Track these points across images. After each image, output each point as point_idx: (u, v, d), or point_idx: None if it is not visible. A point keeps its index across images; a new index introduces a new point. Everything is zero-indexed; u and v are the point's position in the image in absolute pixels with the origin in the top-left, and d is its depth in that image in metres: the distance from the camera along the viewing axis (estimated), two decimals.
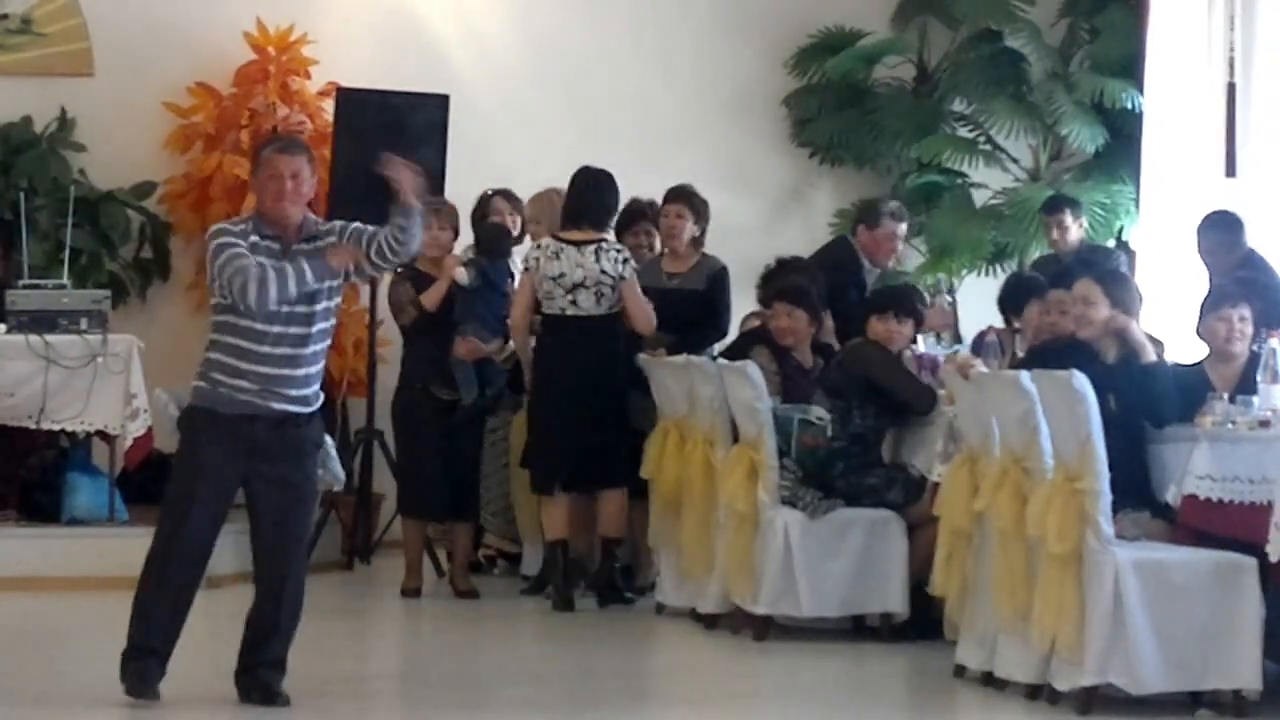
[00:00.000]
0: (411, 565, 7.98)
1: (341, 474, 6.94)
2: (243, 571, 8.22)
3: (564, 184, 8.86)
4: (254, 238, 5.62)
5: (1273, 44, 8.58)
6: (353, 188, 8.80)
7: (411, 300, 7.87)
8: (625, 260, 7.66)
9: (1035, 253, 9.36)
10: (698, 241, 8.01)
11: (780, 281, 7.70)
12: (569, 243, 7.67)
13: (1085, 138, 9.35)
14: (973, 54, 9.70)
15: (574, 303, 7.63)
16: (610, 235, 7.80)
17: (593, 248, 7.64)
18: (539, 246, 7.81)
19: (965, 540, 6.18)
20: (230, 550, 8.24)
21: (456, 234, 8.10)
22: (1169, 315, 8.10)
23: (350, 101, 8.96)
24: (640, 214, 8.28)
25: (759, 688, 6.34)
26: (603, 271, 7.60)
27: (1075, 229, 8.42)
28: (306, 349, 5.57)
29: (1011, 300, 7.52)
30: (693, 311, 7.85)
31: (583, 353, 7.55)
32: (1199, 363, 6.34)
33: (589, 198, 7.74)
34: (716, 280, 7.92)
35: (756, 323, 8.11)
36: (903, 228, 8.40)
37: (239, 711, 5.64)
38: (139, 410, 8.04)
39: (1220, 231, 7.68)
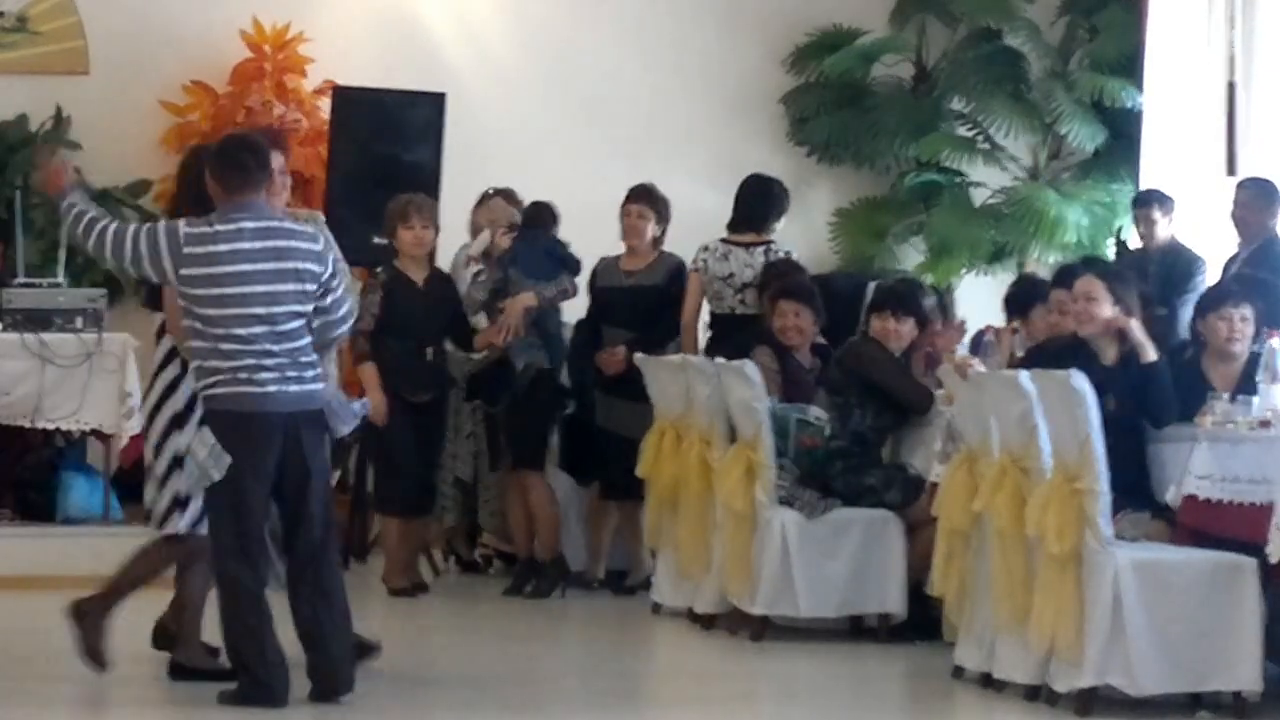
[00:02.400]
0: (393, 561, 7.94)
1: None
2: None
3: (556, 183, 8.89)
4: None
5: (1272, 42, 8.57)
6: (349, 186, 8.80)
7: (374, 314, 7.77)
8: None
9: (1034, 253, 9.34)
10: (658, 241, 8.04)
11: (785, 280, 7.69)
12: (737, 244, 7.89)
13: (1084, 137, 9.33)
14: (971, 52, 9.69)
15: (743, 302, 7.82)
16: (775, 237, 7.99)
17: (761, 249, 7.86)
18: (706, 249, 7.91)
19: (964, 541, 6.15)
20: None
21: (438, 231, 8.08)
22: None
23: (346, 100, 8.95)
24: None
25: (756, 688, 6.32)
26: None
27: (1164, 224, 8.11)
28: None
29: (1017, 301, 7.46)
30: (651, 308, 7.91)
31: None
32: (1196, 359, 6.32)
33: (758, 202, 8.00)
34: (675, 276, 7.95)
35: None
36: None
37: (241, 712, 5.61)
38: (134, 409, 8.01)
39: (1259, 188, 7.73)
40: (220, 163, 5.62)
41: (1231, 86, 8.61)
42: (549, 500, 7.86)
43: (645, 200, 8.01)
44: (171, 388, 5.86)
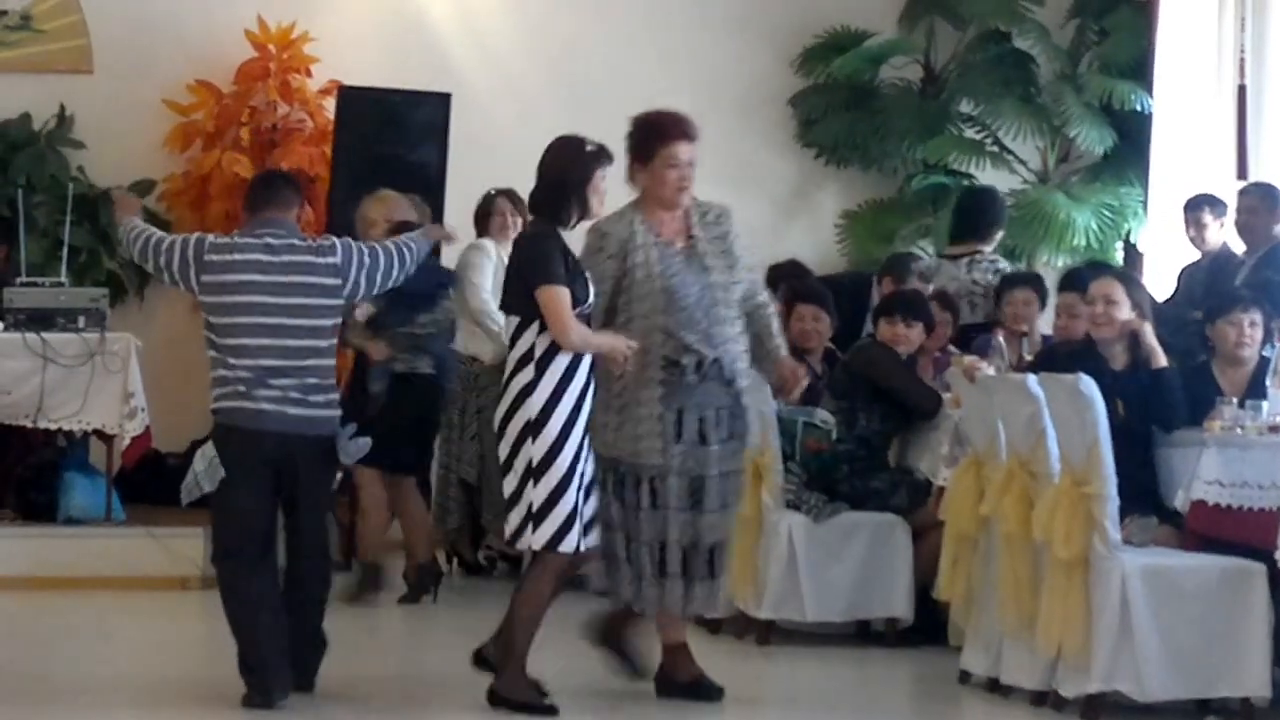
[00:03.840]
0: (370, 547, 7.86)
1: None
2: None
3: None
4: None
5: None
6: (354, 185, 8.78)
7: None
8: (997, 270, 7.90)
9: (1043, 256, 9.30)
10: None
11: (801, 284, 7.67)
12: (948, 257, 7.96)
13: (1094, 140, 9.30)
14: (980, 55, 9.66)
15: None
16: (987, 246, 8.00)
17: (966, 260, 7.91)
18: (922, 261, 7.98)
19: (971, 545, 6.13)
20: None
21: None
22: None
23: (351, 100, 8.95)
24: None
25: (762, 692, 6.31)
26: (974, 281, 7.83)
27: (1215, 228, 7.93)
28: None
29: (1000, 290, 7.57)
30: None
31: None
32: (1205, 364, 6.29)
33: (975, 214, 8.04)
34: None
35: None
36: (929, 289, 7.99)
37: (244, 713, 5.59)
38: (137, 409, 8.00)
39: (1264, 193, 7.70)
40: (253, 184, 5.85)
41: (1242, 90, 8.57)
42: (420, 505, 7.88)
43: None
44: (524, 394, 5.51)
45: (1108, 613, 5.54)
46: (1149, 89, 9.09)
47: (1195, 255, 8.06)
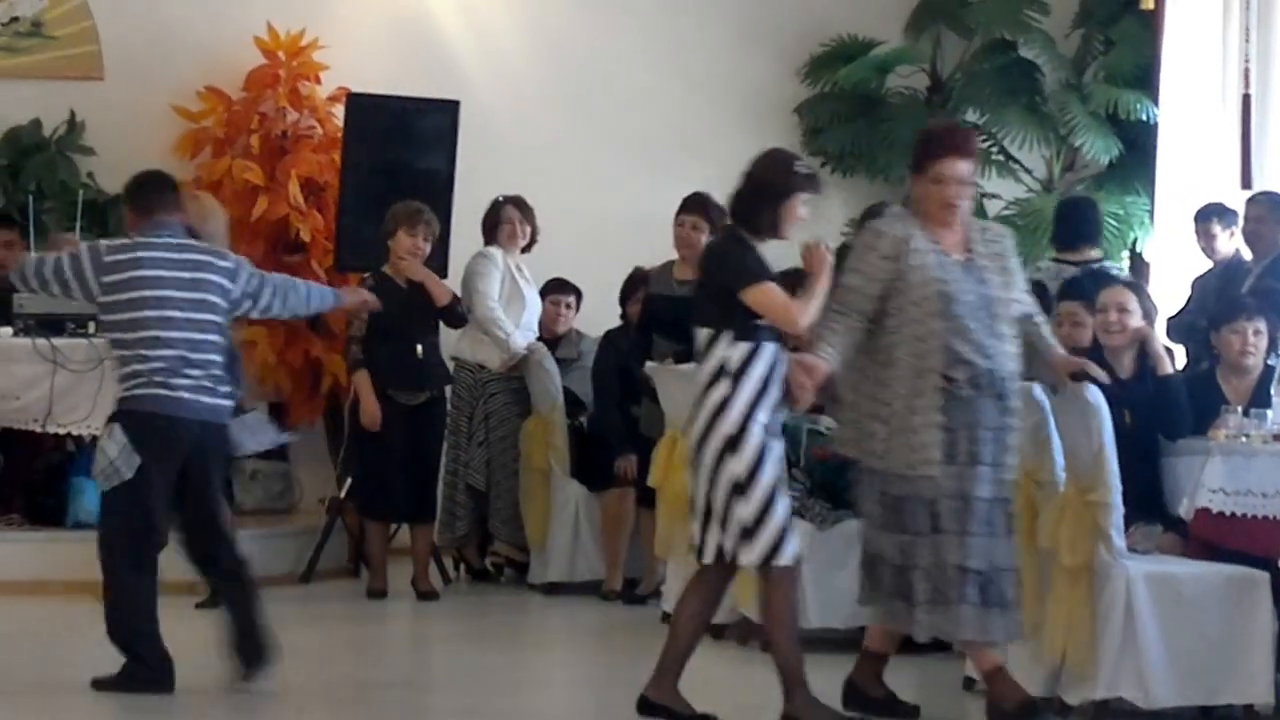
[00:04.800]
0: (376, 568, 8.05)
1: None
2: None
3: (569, 191, 8.85)
4: None
5: None
6: (363, 192, 8.82)
7: (363, 319, 7.89)
8: (1109, 275, 7.78)
9: (1047, 263, 9.31)
10: None
11: None
12: (1067, 264, 7.84)
13: (1099, 149, 9.32)
14: (986, 64, 9.69)
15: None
16: (1095, 251, 7.90)
17: (1073, 270, 7.78)
18: (1039, 269, 7.87)
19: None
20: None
21: (434, 245, 8.11)
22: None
23: (360, 106, 8.97)
24: (641, 280, 8.24)
25: (765, 698, 6.30)
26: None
27: (1224, 237, 7.97)
28: None
29: None
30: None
31: None
32: (1210, 372, 6.31)
33: (1084, 221, 7.88)
34: None
35: None
36: None
37: (248, 717, 5.61)
38: None
39: (1272, 201, 7.73)
40: (141, 187, 6.01)
41: (1247, 99, 8.59)
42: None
43: (698, 211, 7.89)
44: (721, 410, 5.39)
45: (1112, 620, 5.56)
46: (1154, 98, 9.11)
47: (1204, 264, 8.09)
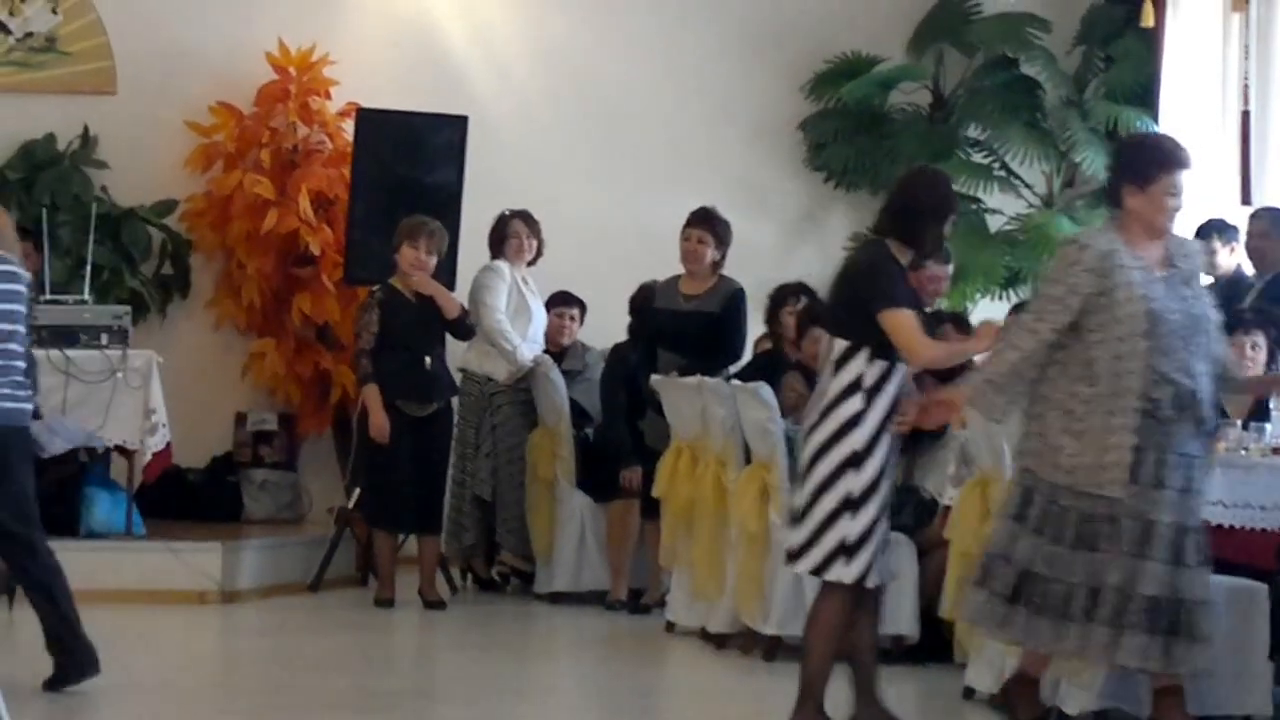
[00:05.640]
0: (384, 577, 8.10)
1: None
2: (260, 586, 8.32)
3: (575, 205, 8.88)
4: None
5: None
6: (372, 207, 8.89)
7: (373, 332, 7.97)
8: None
9: None
10: (717, 265, 8.00)
11: (813, 308, 7.76)
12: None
13: (1099, 165, 9.34)
14: (988, 81, 9.74)
15: None
16: None
17: None
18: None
19: (976, 563, 6.18)
20: (250, 564, 8.34)
21: (441, 258, 8.17)
22: None
23: (370, 122, 9.02)
24: (649, 294, 8.31)
25: (767, 708, 6.35)
26: None
27: (1225, 253, 7.97)
28: None
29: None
30: (706, 334, 7.87)
31: None
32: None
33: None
34: (730, 303, 7.92)
35: (769, 345, 8.17)
36: (947, 269, 7.95)
37: None
38: (157, 425, 8.09)
39: (1274, 217, 7.74)
40: None
41: (1245, 116, 8.62)
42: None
43: (705, 225, 7.94)
44: (851, 424, 5.28)
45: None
46: (1154, 115, 9.15)
47: (1204, 280, 8.14)
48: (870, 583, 5.36)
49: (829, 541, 5.31)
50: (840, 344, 5.35)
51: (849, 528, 5.28)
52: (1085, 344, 5.25)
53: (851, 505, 5.28)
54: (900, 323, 5.27)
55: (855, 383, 5.29)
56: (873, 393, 5.28)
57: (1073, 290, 5.24)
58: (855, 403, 5.28)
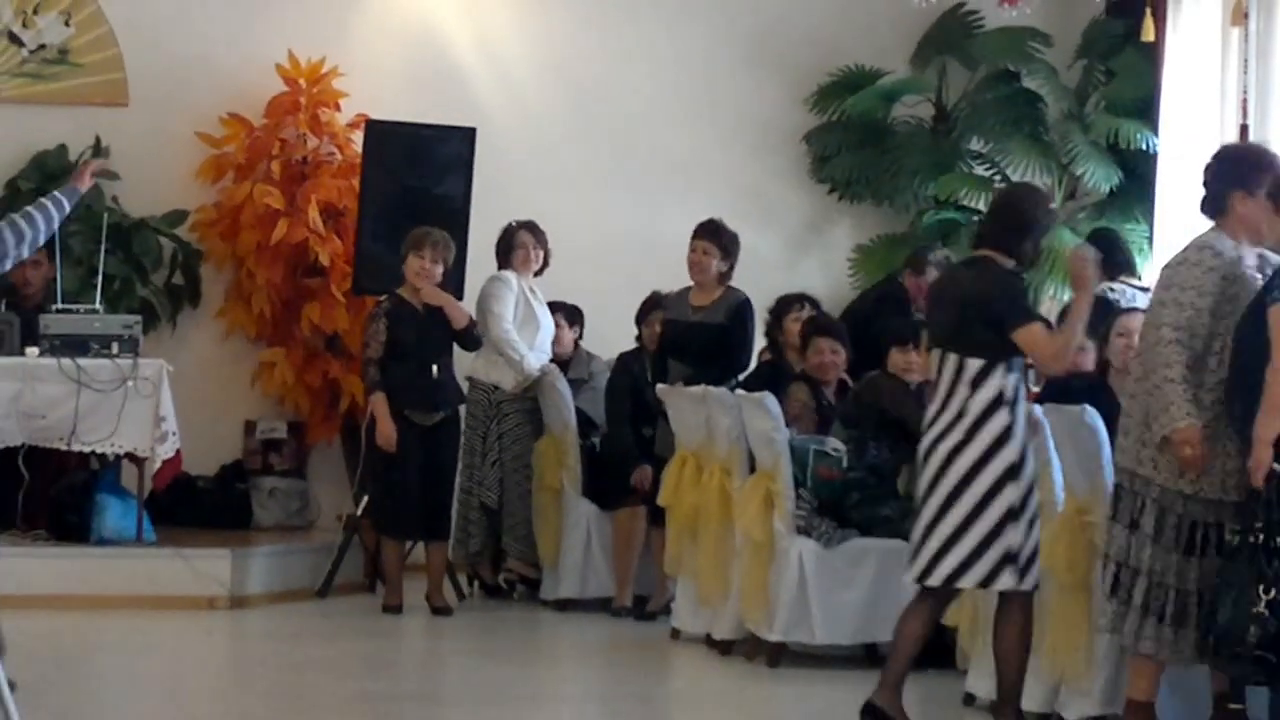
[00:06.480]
0: (392, 584, 8.16)
1: None
2: (269, 592, 8.38)
3: (581, 217, 8.94)
4: None
5: None
6: (381, 218, 8.95)
7: (381, 341, 8.05)
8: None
9: (1049, 290, 9.46)
10: (724, 276, 8.06)
11: (820, 319, 7.84)
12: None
13: (1100, 177, 9.44)
14: (990, 94, 9.80)
15: None
16: (1133, 278, 7.95)
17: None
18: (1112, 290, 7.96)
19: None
20: (259, 570, 8.41)
21: (448, 267, 8.25)
22: None
23: (379, 133, 9.08)
24: (655, 304, 8.40)
25: (772, 714, 6.40)
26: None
27: None
28: None
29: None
30: (711, 345, 7.94)
31: None
32: None
33: (1107, 254, 7.71)
34: (735, 314, 7.97)
35: (770, 355, 8.25)
36: None
37: None
38: (168, 433, 8.14)
39: None
40: None
41: (1244, 129, 8.68)
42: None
43: (709, 237, 8.00)
44: (1002, 440, 5.47)
45: (1109, 637, 5.62)
46: (1154, 128, 9.21)
47: None
48: (1027, 585, 5.53)
49: (994, 553, 5.47)
50: (974, 362, 5.51)
51: (1013, 537, 5.46)
52: (1210, 351, 5.34)
53: (1014, 515, 5.46)
54: (1036, 337, 5.49)
55: (998, 398, 5.49)
56: (1015, 406, 5.50)
57: (1204, 291, 5.35)
58: (1003, 417, 5.48)
